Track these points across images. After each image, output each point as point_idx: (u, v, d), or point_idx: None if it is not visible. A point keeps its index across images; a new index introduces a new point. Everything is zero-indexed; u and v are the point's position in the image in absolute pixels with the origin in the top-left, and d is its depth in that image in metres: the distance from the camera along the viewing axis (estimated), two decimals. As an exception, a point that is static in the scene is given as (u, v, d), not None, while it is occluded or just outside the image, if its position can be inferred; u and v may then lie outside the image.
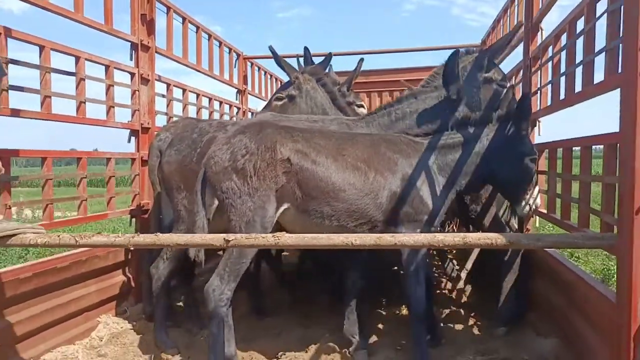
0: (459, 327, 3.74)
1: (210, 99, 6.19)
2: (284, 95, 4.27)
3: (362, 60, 4.71)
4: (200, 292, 2.93)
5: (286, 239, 2.07)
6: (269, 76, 8.23)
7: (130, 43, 4.43)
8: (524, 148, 2.90)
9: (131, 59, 4.48)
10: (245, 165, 2.71)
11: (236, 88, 7.11)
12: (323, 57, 4.71)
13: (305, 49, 4.70)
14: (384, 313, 4.06)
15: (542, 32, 3.73)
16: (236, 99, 7.17)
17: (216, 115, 6.38)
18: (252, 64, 7.47)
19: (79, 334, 3.60)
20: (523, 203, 2.90)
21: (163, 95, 5.05)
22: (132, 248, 2.38)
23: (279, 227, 2.84)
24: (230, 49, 6.71)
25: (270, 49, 4.54)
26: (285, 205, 2.79)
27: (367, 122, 3.46)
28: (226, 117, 6.69)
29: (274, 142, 2.77)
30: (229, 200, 2.72)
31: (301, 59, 4.79)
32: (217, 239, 2.10)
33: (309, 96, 4.16)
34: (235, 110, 7.03)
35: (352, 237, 2.05)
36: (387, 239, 1.99)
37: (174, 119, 5.11)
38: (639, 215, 1.61)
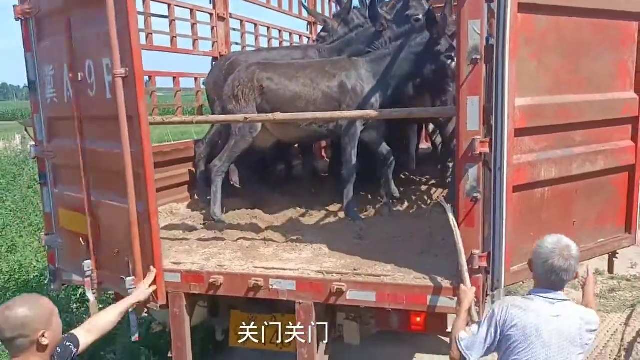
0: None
1: (280, 31, 7.38)
2: (317, 37, 5.54)
3: None
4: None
5: (280, 116, 3.34)
6: (338, 7, 9.12)
7: (208, -11, 5.72)
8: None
9: (210, 3, 5.79)
10: (237, 93, 3.99)
11: (306, 21, 8.18)
12: None
13: None
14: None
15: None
16: (307, 30, 8.25)
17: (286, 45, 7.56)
18: (321, -2, 8.41)
19: (182, 198, 5.19)
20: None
21: (234, 29, 6.32)
22: (195, 123, 3.70)
23: (266, 133, 4.10)
24: (301, -14, 7.72)
25: None
26: None
27: (330, 48, 4.63)
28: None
29: (253, 74, 4.01)
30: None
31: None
32: (239, 117, 3.44)
33: (336, 34, 5.17)
34: (305, 40, 8.14)
35: (323, 113, 3.33)
36: (336, 114, 3.20)
37: (247, 48, 6.43)
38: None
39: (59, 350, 1.99)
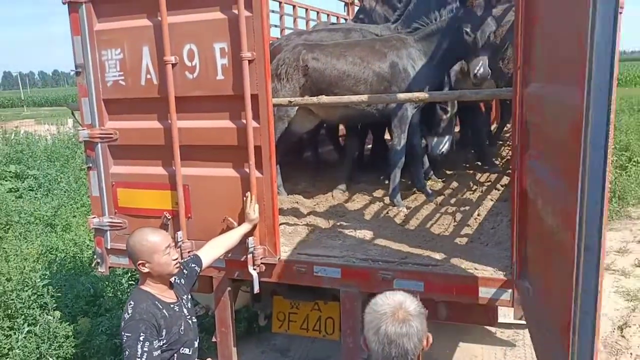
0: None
1: (317, 12, 7.14)
2: (355, 19, 5.40)
3: None
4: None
5: (325, 99, 3.16)
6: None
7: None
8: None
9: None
10: (280, 71, 3.77)
11: (343, 1, 7.92)
12: None
13: None
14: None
15: None
16: (344, 11, 8.01)
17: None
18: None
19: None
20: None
21: (273, 11, 6.12)
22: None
23: (309, 113, 3.91)
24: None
25: None
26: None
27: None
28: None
29: (299, 54, 3.78)
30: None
31: None
32: (284, 101, 3.27)
33: (375, 13, 5.05)
34: (342, 20, 7.90)
35: (369, 96, 3.14)
36: (383, 97, 2.99)
37: (286, 31, 6.24)
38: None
39: (185, 272, 2.39)
